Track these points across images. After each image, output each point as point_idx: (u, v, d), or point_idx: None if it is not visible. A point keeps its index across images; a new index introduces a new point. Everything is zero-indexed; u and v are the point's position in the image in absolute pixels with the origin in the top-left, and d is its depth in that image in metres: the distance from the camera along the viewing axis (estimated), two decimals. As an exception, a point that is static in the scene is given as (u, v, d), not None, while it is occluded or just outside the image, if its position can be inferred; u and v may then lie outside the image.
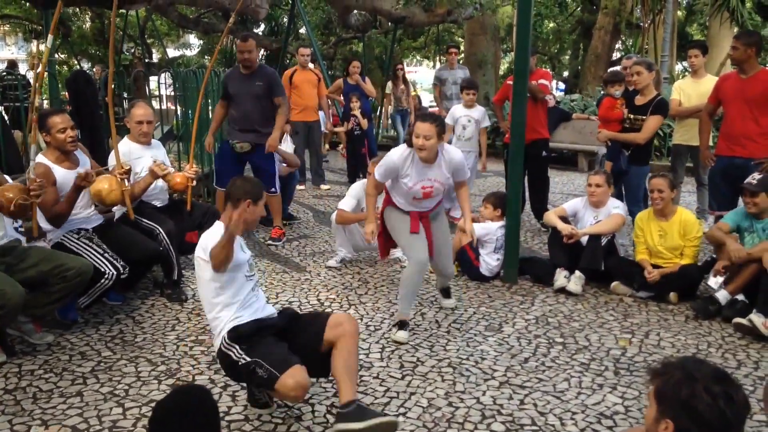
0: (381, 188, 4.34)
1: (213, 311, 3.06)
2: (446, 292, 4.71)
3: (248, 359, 2.90)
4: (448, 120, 6.89)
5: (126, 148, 4.77)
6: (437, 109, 10.19)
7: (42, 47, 9.86)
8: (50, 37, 4.51)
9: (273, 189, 6.19)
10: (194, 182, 4.95)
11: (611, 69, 8.84)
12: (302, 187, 8.98)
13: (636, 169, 5.80)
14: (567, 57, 25.62)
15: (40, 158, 4.18)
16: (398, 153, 4.08)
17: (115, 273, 4.19)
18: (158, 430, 1.87)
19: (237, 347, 2.96)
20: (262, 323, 3.08)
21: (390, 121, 12.04)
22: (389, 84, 11.41)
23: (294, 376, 2.79)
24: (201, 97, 5.31)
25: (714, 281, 4.78)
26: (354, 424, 2.77)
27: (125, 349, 3.93)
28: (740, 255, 4.38)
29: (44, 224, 4.26)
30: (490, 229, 5.34)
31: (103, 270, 4.16)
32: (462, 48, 16.44)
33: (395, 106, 11.31)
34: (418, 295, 4.55)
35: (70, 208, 4.25)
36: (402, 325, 4.10)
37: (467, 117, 7.04)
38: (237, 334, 2.98)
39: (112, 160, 4.73)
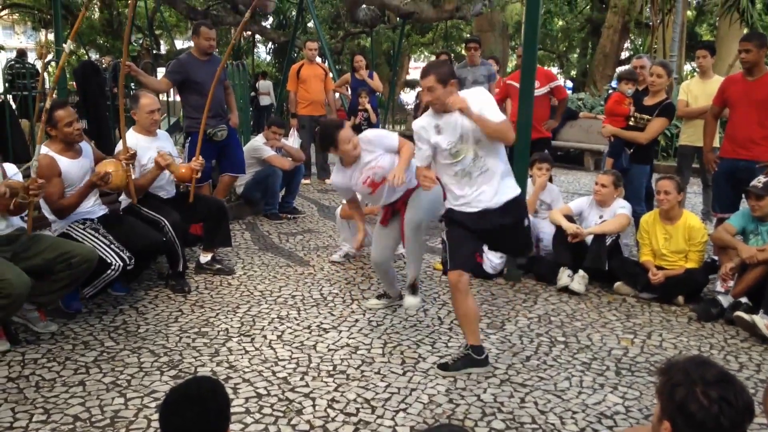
0: (356, 202, 4.80)
1: None
2: (412, 289, 4.19)
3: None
4: None
5: (133, 141, 4.71)
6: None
7: (51, 36, 9.88)
8: (69, 42, 4.48)
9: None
10: (198, 174, 4.95)
11: (627, 68, 8.68)
12: (307, 181, 8.99)
13: (637, 168, 5.77)
14: (575, 55, 25.56)
15: (44, 150, 4.18)
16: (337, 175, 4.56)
17: (121, 264, 4.20)
18: (171, 414, 1.90)
19: None
20: None
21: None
22: None
23: None
24: (213, 88, 5.28)
25: (720, 286, 4.74)
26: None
27: (128, 339, 3.95)
28: (762, 255, 4.25)
29: (49, 216, 4.28)
30: (495, 226, 5.33)
31: (109, 261, 4.17)
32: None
33: None
34: (420, 291, 4.53)
35: (78, 203, 4.25)
36: (380, 296, 4.72)
37: None
38: None
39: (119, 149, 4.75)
